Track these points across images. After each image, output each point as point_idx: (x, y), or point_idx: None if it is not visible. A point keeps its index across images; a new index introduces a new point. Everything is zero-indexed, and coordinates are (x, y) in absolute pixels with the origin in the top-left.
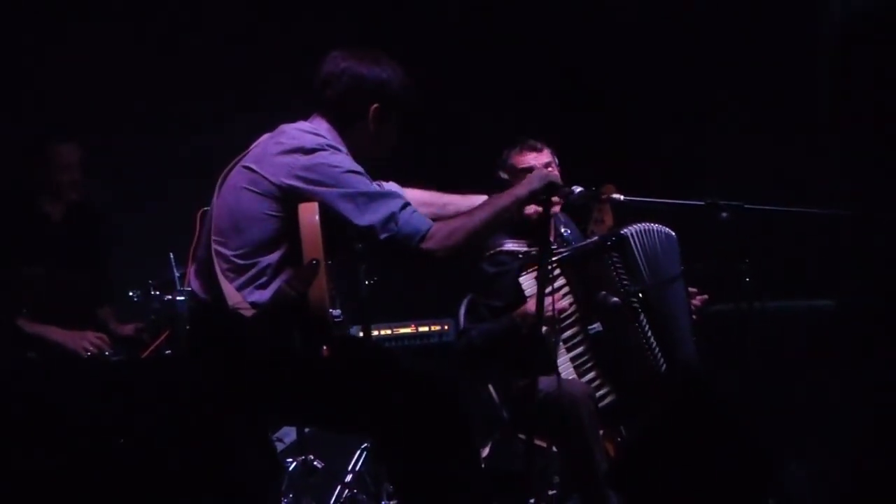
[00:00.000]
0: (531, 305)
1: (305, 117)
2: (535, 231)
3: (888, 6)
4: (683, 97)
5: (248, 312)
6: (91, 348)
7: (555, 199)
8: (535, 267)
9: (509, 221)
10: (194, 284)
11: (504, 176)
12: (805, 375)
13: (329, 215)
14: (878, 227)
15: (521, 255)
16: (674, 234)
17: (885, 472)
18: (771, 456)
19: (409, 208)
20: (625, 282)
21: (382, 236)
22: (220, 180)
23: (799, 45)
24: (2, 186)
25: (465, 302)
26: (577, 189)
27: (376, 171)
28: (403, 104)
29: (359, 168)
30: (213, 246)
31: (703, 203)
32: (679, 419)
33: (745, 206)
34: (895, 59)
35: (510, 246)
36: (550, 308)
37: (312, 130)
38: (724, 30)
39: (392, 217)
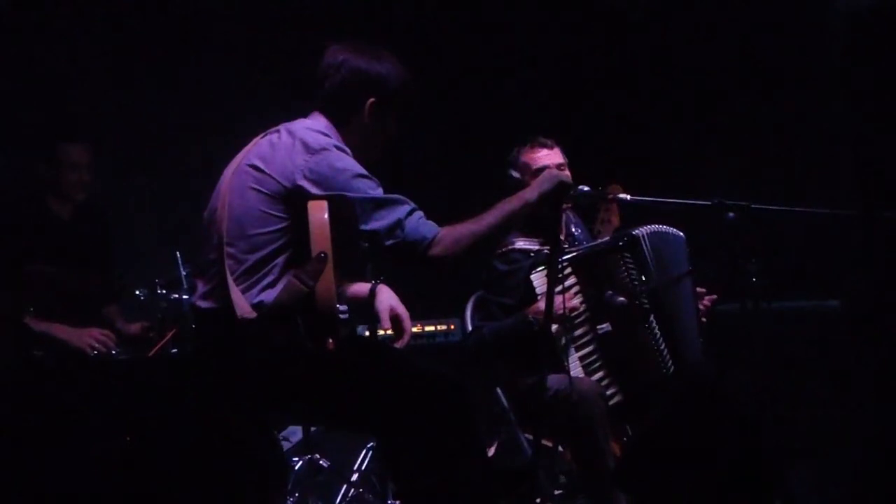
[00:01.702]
0: (543, 304)
1: (305, 115)
2: (546, 229)
3: (894, 3)
4: (690, 96)
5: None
6: (97, 345)
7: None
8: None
9: (519, 224)
10: (201, 289)
11: (516, 174)
12: (812, 376)
13: (336, 217)
14: (885, 226)
15: (532, 254)
16: (682, 234)
17: (892, 473)
18: (777, 456)
19: (415, 214)
20: (635, 282)
21: (389, 243)
22: (223, 180)
23: (806, 44)
24: (11, 185)
25: (471, 300)
26: (584, 189)
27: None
28: (400, 101)
29: (366, 171)
30: (225, 248)
31: (709, 203)
32: (686, 419)
33: (752, 205)
34: None
35: (522, 244)
36: (561, 307)
37: (318, 129)
38: (731, 28)
39: (398, 224)
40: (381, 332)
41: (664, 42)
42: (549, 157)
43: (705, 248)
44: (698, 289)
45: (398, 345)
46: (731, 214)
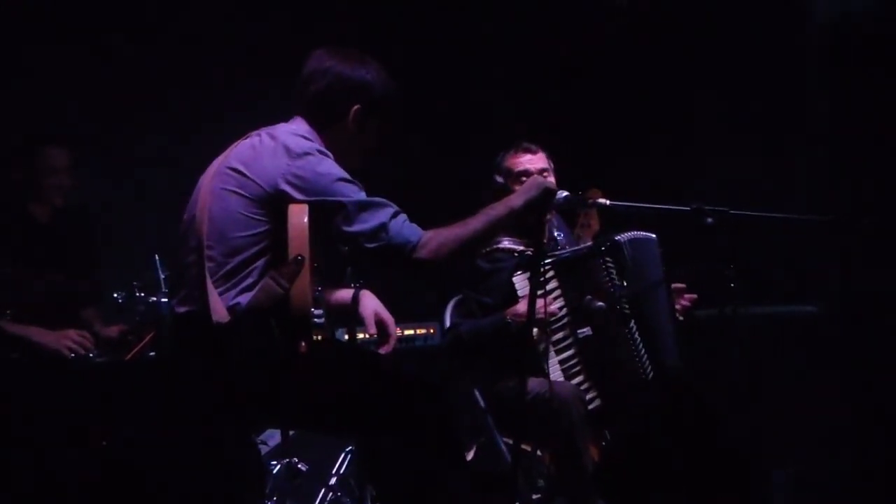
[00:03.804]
0: (523, 306)
1: (286, 119)
2: (531, 232)
3: (873, 10)
4: (670, 102)
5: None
6: (74, 347)
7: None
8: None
9: (504, 230)
10: (178, 293)
11: (499, 179)
12: (789, 380)
13: (318, 221)
14: (861, 232)
15: (516, 254)
16: (654, 236)
17: (868, 477)
18: (754, 461)
19: (399, 217)
20: (615, 287)
21: (372, 245)
22: (203, 183)
23: (786, 50)
24: None
25: (451, 303)
26: (563, 193)
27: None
28: (385, 108)
29: (348, 175)
30: (204, 251)
31: (688, 208)
32: (663, 424)
33: (731, 211)
34: (881, 63)
35: (507, 244)
36: (542, 311)
37: (300, 133)
38: (711, 34)
39: (382, 227)
40: (361, 337)
41: (644, 48)
42: (531, 161)
43: (684, 253)
44: (676, 284)
45: (384, 350)
46: (709, 220)
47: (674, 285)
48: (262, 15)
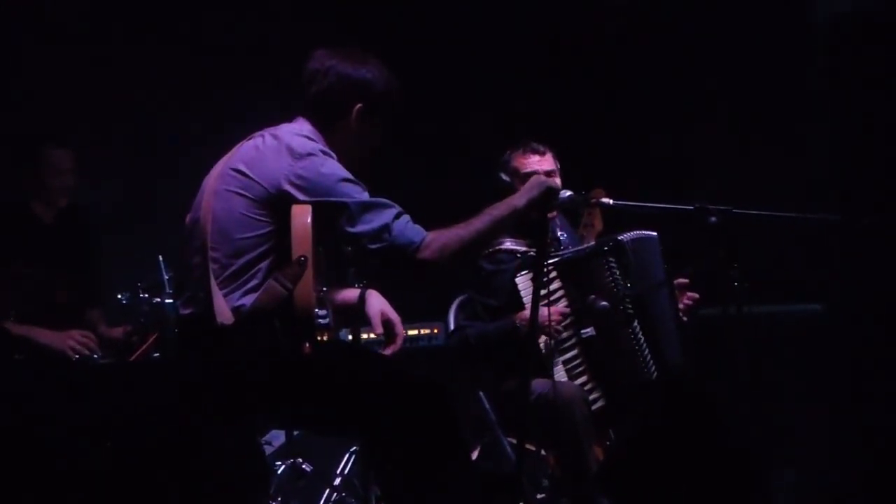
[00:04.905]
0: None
1: (288, 119)
2: (533, 232)
3: (874, 9)
4: (673, 101)
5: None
6: (78, 347)
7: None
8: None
9: (507, 230)
10: (182, 295)
11: (505, 178)
12: (793, 379)
13: (321, 222)
14: (865, 231)
15: (519, 255)
16: (655, 234)
17: (872, 478)
18: (758, 461)
19: (402, 218)
20: (619, 287)
21: (376, 246)
22: (207, 184)
23: (788, 49)
24: None
25: (455, 303)
26: (567, 193)
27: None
28: (387, 106)
29: (352, 176)
30: (209, 253)
31: (692, 207)
32: (667, 424)
33: (734, 210)
34: (882, 60)
35: (509, 245)
36: (547, 318)
37: (303, 133)
38: (713, 33)
39: (386, 227)
40: (367, 337)
41: (647, 47)
42: (538, 163)
43: (687, 252)
44: (680, 280)
45: (390, 350)
46: (713, 219)
47: (677, 281)
48: (264, 15)
